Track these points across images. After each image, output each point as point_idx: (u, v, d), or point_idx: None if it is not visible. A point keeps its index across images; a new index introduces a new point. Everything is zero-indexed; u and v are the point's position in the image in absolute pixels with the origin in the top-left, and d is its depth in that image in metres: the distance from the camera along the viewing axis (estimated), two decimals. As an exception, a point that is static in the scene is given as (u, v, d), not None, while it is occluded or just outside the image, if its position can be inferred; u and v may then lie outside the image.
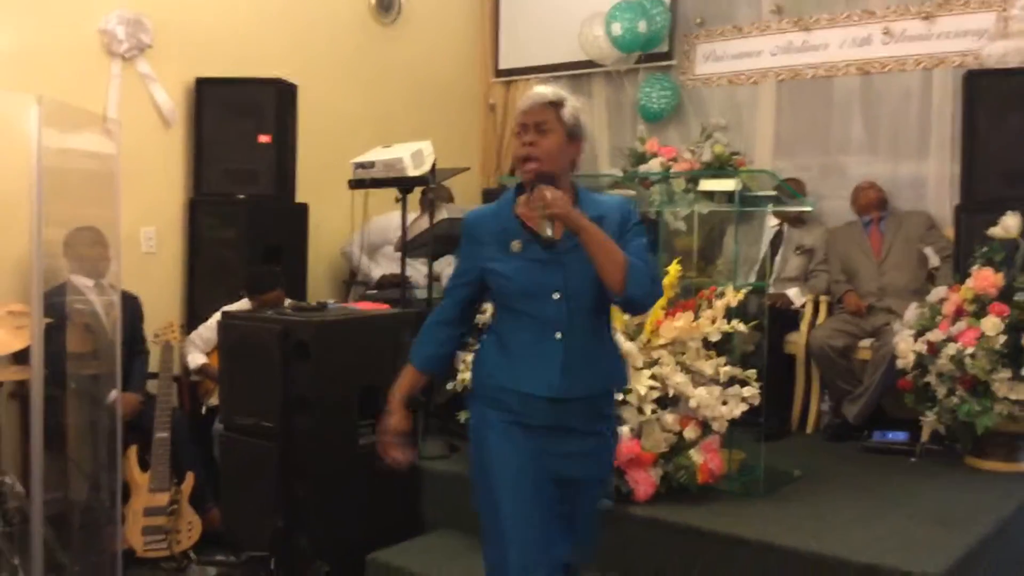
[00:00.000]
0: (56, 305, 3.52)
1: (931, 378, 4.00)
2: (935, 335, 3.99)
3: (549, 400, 2.29)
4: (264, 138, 4.95)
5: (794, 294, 4.95)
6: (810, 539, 3.09)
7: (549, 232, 2.25)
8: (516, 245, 2.31)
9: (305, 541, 3.53)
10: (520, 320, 2.33)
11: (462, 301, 2.45)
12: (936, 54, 5.00)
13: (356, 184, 4.47)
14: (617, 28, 5.67)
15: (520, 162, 2.30)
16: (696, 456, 3.50)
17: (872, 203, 4.93)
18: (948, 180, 4.91)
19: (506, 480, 2.29)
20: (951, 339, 3.92)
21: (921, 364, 4.04)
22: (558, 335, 2.29)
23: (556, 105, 2.30)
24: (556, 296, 2.28)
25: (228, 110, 4.97)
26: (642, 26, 5.62)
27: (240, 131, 4.96)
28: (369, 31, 5.89)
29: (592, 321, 2.34)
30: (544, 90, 2.33)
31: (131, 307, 4.31)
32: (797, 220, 5.10)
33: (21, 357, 3.83)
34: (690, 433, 3.50)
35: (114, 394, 3.65)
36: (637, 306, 2.34)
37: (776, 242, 5.13)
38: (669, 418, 3.48)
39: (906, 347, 4.09)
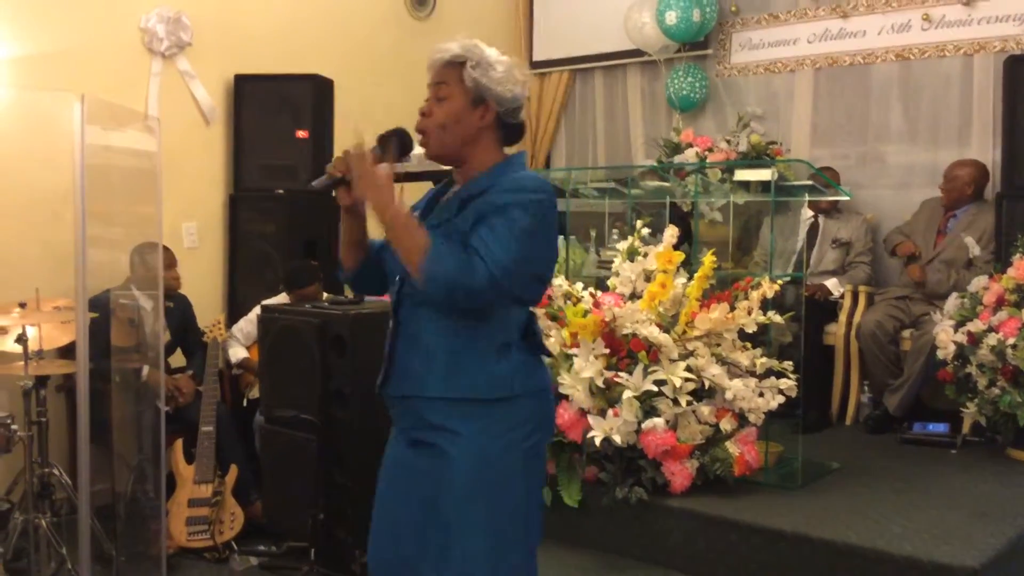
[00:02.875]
0: (101, 300, 3.59)
1: (972, 369, 3.96)
2: (975, 325, 3.95)
3: (383, 393, 2.06)
4: (302, 133, 5.01)
5: (833, 284, 4.92)
6: (848, 531, 3.07)
7: (313, 182, 1.99)
8: None
9: (344, 532, 3.58)
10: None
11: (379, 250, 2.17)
12: (977, 39, 4.91)
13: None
14: (672, 17, 5.56)
15: (418, 134, 2.01)
16: (732, 448, 3.49)
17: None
18: (990, 168, 4.83)
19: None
20: (992, 329, 3.88)
21: (962, 355, 4.00)
22: (390, 322, 2.04)
23: (458, 63, 1.96)
24: (397, 278, 2.05)
25: (266, 106, 5.03)
26: (696, 15, 5.57)
27: (278, 127, 5.01)
28: (404, 26, 5.92)
29: (433, 315, 1.96)
30: (447, 45, 1.98)
31: (182, 306, 4.39)
32: (832, 211, 5.05)
33: (67, 351, 3.92)
34: (726, 425, 3.50)
35: (146, 370, 3.72)
36: (442, 292, 1.86)
37: (812, 235, 5.07)
38: (705, 410, 3.48)
39: (946, 337, 4.05)
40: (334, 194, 2.05)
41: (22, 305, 3.66)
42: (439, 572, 1.97)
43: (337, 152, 5.23)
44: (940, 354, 4.08)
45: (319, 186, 2.02)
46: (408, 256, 1.87)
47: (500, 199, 1.90)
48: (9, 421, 3.40)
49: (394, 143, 2.02)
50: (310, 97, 5.04)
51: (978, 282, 4.14)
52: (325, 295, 4.44)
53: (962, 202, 4.71)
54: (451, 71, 1.97)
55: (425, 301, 1.95)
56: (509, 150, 2.11)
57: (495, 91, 1.97)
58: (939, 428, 4.24)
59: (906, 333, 4.57)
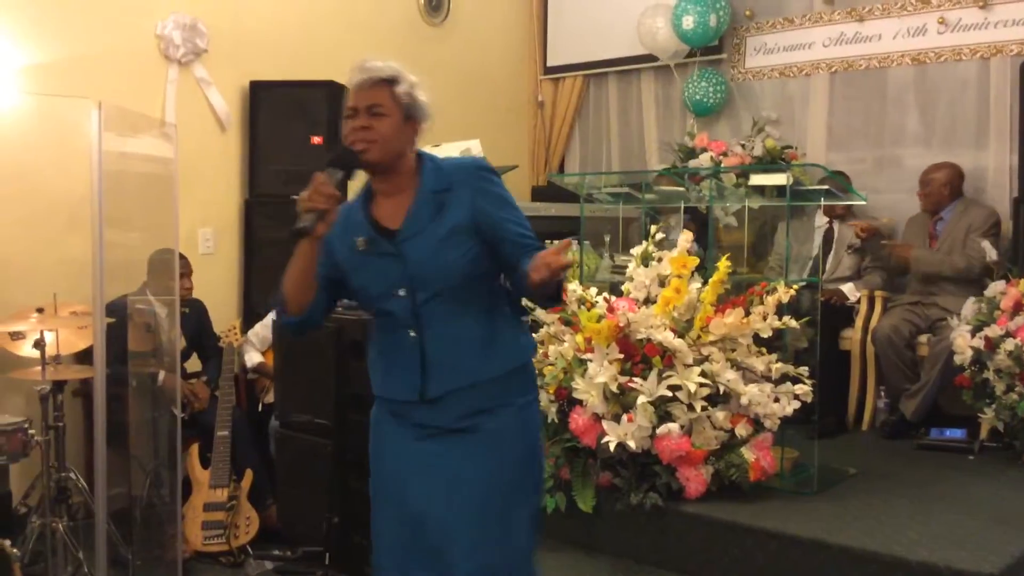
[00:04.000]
0: (118, 306, 3.61)
1: (989, 374, 3.94)
2: (993, 331, 3.93)
3: (421, 402, 2.13)
4: (317, 139, 5.02)
5: (849, 289, 4.89)
6: (864, 537, 3.06)
7: (303, 224, 1.99)
8: (360, 243, 2.13)
9: (359, 536, 3.58)
10: (382, 321, 2.18)
11: (322, 279, 2.16)
12: (993, 43, 4.89)
13: (406, 183, 4.51)
14: (689, 21, 5.56)
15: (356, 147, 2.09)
16: (748, 454, 3.48)
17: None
18: (1007, 171, 4.81)
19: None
20: (1009, 334, 3.85)
21: (979, 360, 3.97)
22: (412, 333, 2.10)
23: (390, 83, 2.09)
24: (402, 292, 2.09)
25: (281, 112, 5.05)
26: (713, 19, 5.57)
27: (293, 133, 5.03)
28: (419, 31, 5.94)
29: (456, 308, 2.10)
30: (375, 65, 2.10)
31: (197, 311, 4.42)
32: (847, 215, 5.03)
33: (83, 356, 3.95)
34: (741, 430, 3.49)
35: (162, 375, 3.74)
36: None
37: (827, 241, 5.05)
38: (720, 415, 3.47)
39: (963, 343, 4.02)
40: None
41: (40, 310, 3.69)
42: (497, 543, 2.11)
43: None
44: (957, 359, 4.06)
45: (310, 225, 2.00)
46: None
47: (485, 190, 2.12)
48: (26, 426, 3.43)
49: (345, 162, 2.08)
50: (325, 103, 5.05)
51: (995, 287, 4.11)
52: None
53: (943, 204, 4.72)
54: (383, 90, 2.09)
55: (445, 298, 2.08)
56: None
57: (422, 108, 2.14)
58: (956, 434, 4.21)
59: (923, 338, 4.54)
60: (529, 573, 2.20)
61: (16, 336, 3.77)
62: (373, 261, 2.12)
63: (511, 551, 2.14)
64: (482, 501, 2.11)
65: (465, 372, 2.11)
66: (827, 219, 5.05)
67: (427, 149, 5.06)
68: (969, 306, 4.20)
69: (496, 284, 2.18)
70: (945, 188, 4.70)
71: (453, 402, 2.12)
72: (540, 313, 3.74)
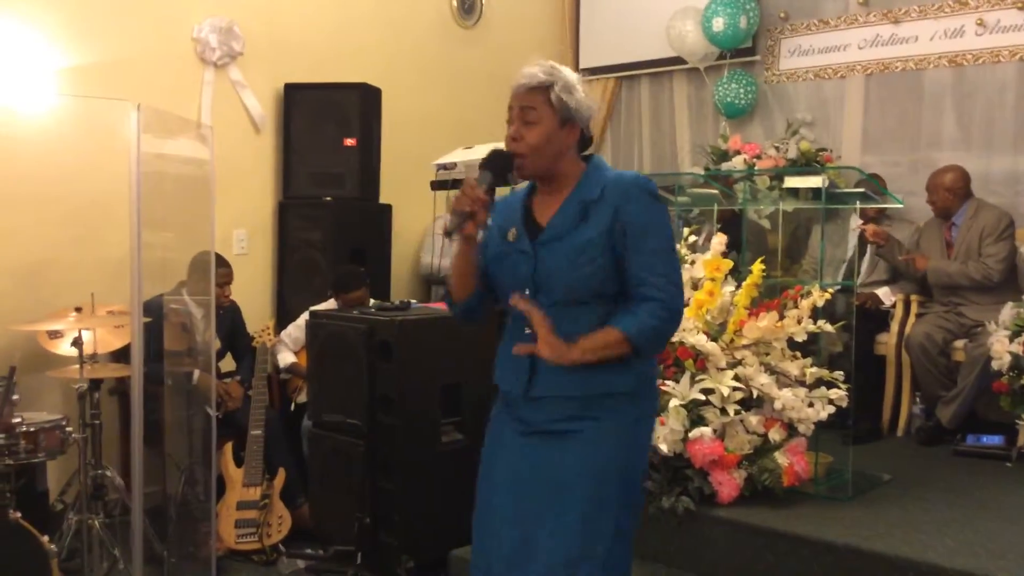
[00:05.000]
0: (154, 305, 3.65)
1: (1028, 380, 3.87)
2: (1032, 336, 3.86)
3: (525, 398, 2.16)
4: (349, 141, 5.06)
5: (884, 293, 4.83)
6: (900, 544, 3.02)
7: (447, 228, 2.05)
8: (511, 233, 2.17)
9: (390, 536, 3.60)
10: (511, 315, 2.20)
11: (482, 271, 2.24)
12: (1033, 44, 4.82)
13: (438, 185, 4.53)
14: (719, 23, 5.54)
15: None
16: (781, 459, 3.45)
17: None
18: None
19: (489, 479, 2.27)
20: (1049, 340, 3.79)
21: (1017, 365, 3.91)
22: (528, 331, 2.11)
23: (544, 88, 2.09)
24: (527, 291, 2.12)
25: (315, 115, 5.09)
26: (743, 21, 5.55)
27: (327, 135, 5.07)
28: (451, 34, 5.96)
29: (576, 318, 2.10)
30: (531, 71, 2.10)
31: (231, 312, 4.46)
32: (881, 219, 4.97)
33: (120, 355, 4.00)
34: (775, 435, 3.46)
35: (197, 374, 3.78)
36: (662, 348, 2.16)
37: (862, 245, 4.99)
38: (753, 419, 3.44)
39: (1001, 348, 3.97)
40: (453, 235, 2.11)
41: (78, 310, 3.74)
42: (574, 548, 2.10)
43: (384, 158, 5.29)
44: (995, 365, 4.00)
45: (453, 226, 2.07)
46: (620, 353, 2.07)
47: (631, 210, 2.07)
48: (64, 423, 3.48)
49: (496, 166, 2.12)
50: (358, 105, 5.09)
51: (1034, 292, 4.06)
52: (372, 301, 4.47)
53: (953, 208, 4.64)
54: (538, 95, 2.09)
55: (554, 304, 2.09)
56: None
57: (579, 111, 2.12)
58: (994, 440, 4.15)
59: (959, 343, 4.48)
60: None
61: (54, 335, 3.82)
62: (512, 256, 2.16)
63: (588, 561, 2.10)
64: (566, 503, 2.11)
65: (571, 381, 2.11)
66: (861, 221, 4.99)
67: (458, 150, 5.06)
68: (1007, 311, 4.14)
69: (624, 300, 2.14)
70: (951, 192, 4.62)
71: (555, 405, 2.14)
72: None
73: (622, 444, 2.15)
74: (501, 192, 2.19)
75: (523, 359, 2.14)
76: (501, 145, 2.16)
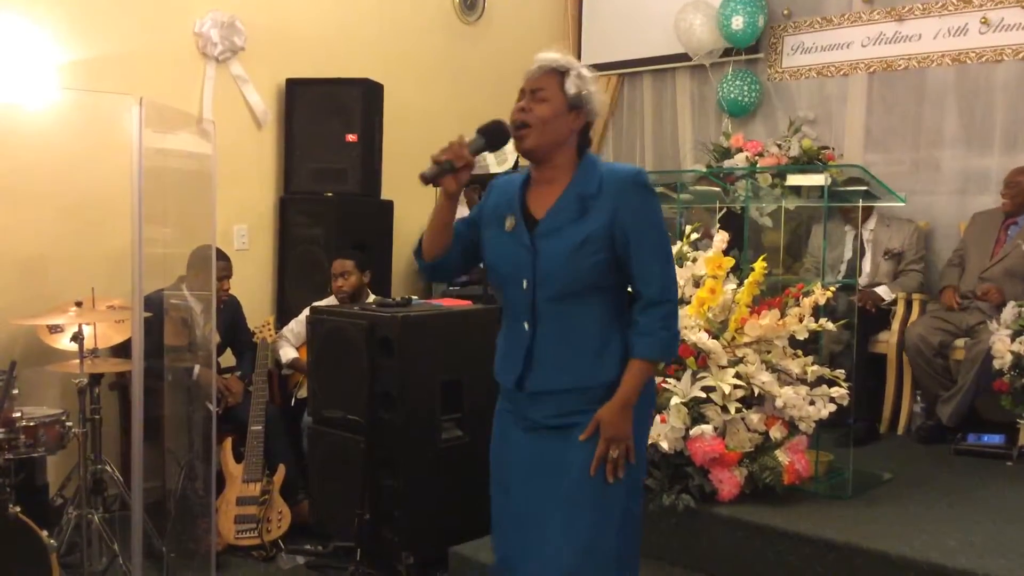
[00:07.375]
0: (154, 300, 3.64)
1: (1029, 379, 3.86)
2: (1034, 335, 3.86)
3: (521, 392, 2.19)
4: (351, 137, 5.05)
5: (884, 291, 4.83)
6: (901, 543, 3.01)
7: (424, 172, 2.12)
8: (509, 222, 2.19)
9: (390, 532, 3.59)
10: (507, 306, 2.23)
11: (459, 236, 2.30)
12: (1037, 43, 4.81)
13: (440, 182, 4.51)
14: (739, 22, 5.53)
15: (514, 129, 2.18)
16: (782, 457, 3.44)
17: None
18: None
19: (494, 472, 2.31)
20: (1051, 339, 3.78)
21: (1018, 365, 3.90)
22: (525, 324, 2.16)
23: (560, 73, 2.16)
24: (524, 283, 2.14)
25: (317, 110, 5.08)
26: (760, 20, 5.55)
27: (328, 130, 5.06)
28: (453, 30, 5.95)
29: (573, 312, 2.13)
30: (549, 55, 2.18)
31: (231, 307, 4.45)
32: (876, 219, 4.94)
33: (120, 350, 3.99)
34: (776, 433, 3.45)
35: (198, 369, 3.77)
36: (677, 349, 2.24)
37: (863, 246, 4.95)
38: (754, 417, 3.44)
39: (1003, 347, 3.96)
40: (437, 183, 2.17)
41: (78, 304, 3.73)
42: (579, 538, 2.13)
43: (386, 154, 5.30)
44: (996, 364, 3.99)
45: (430, 174, 2.14)
46: (651, 373, 2.17)
47: (631, 206, 2.10)
48: (64, 418, 3.47)
49: (492, 134, 2.19)
50: (360, 101, 5.08)
51: (1037, 291, 4.05)
52: (372, 297, 4.47)
53: (1022, 209, 4.58)
54: (552, 78, 2.15)
55: (552, 298, 2.12)
56: None
57: (589, 102, 2.18)
58: (994, 439, 4.15)
59: (959, 342, 4.47)
60: (614, 573, 2.19)
61: (55, 329, 3.82)
62: (510, 245, 2.18)
63: (593, 550, 2.13)
64: (568, 495, 2.14)
65: (567, 375, 2.14)
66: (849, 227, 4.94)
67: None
68: (1009, 310, 4.13)
69: (622, 294, 2.18)
70: None
71: (551, 400, 2.17)
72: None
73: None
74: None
75: (519, 353, 2.17)
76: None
